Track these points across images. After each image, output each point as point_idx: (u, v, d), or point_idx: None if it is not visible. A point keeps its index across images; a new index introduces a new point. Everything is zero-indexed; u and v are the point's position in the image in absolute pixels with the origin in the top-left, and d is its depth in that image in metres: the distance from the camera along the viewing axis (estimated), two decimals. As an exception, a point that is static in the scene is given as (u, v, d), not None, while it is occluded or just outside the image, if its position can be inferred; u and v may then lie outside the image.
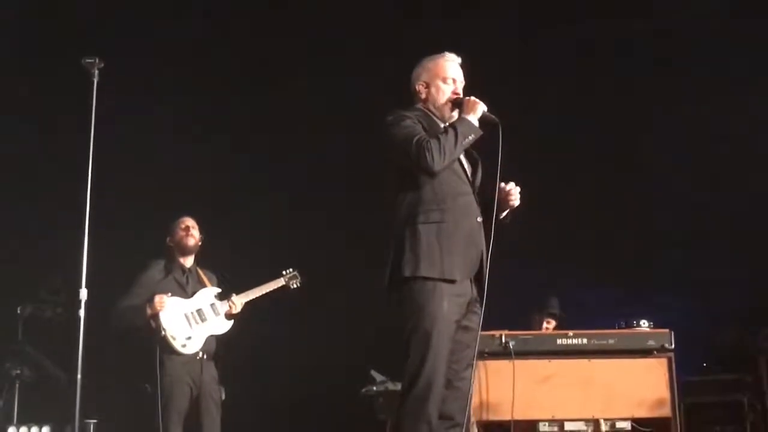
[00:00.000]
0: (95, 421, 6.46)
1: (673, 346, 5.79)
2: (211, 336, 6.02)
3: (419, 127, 4.16)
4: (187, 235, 6.18)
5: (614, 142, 8.11)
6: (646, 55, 8.08)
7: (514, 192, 4.29)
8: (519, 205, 4.32)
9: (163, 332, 5.81)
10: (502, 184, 4.30)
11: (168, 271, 6.13)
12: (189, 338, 5.90)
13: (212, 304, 6.09)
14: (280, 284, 6.41)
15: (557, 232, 7.89)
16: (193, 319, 5.97)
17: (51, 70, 7.35)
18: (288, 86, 8.25)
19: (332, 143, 8.03)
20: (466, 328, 4.14)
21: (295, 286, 6.48)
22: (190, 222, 6.24)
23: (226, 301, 6.12)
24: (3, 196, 7.49)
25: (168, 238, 6.22)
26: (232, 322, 6.12)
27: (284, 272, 6.45)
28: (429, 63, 4.39)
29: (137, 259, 6.34)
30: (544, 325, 6.90)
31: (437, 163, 4.04)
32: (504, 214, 4.33)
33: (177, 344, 5.84)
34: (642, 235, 8.05)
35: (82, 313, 4.47)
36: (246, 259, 7.31)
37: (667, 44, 7.99)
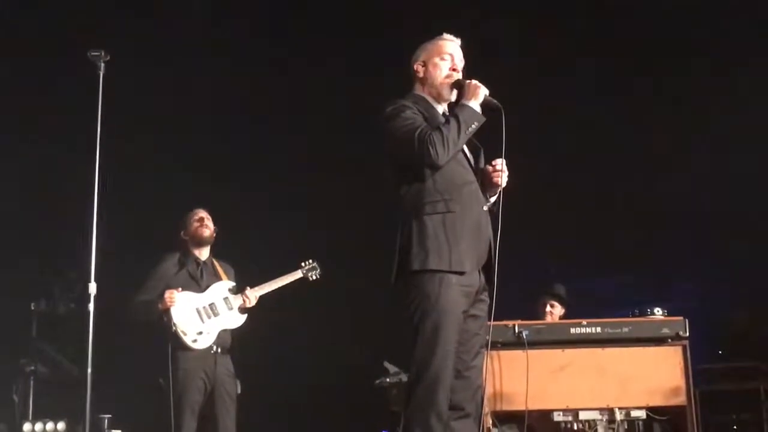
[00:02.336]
0: (109, 416, 6.49)
1: (687, 333, 5.74)
2: (225, 330, 6.01)
3: (420, 118, 4.09)
4: (202, 225, 6.16)
5: (624, 126, 8.08)
6: (654, 43, 8.06)
7: (499, 168, 4.20)
8: (510, 186, 4.22)
9: (174, 327, 5.80)
10: (488, 166, 4.25)
11: (182, 264, 6.11)
12: (200, 333, 5.88)
13: (225, 298, 6.07)
14: (297, 276, 6.37)
15: (568, 219, 7.85)
16: (205, 314, 5.95)
17: (56, 64, 7.36)
18: (301, 78, 8.24)
19: (347, 137, 8.00)
20: (473, 317, 4.11)
21: (314, 278, 6.43)
22: (203, 213, 6.22)
23: (239, 295, 6.10)
24: (14, 193, 7.52)
25: (182, 231, 6.20)
26: (245, 315, 6.10)
27: (303, 264, 6.41)
28: (427, 44, 4.33)
29: (148, 252, 6.35)
30: (547, 308, 6.79)
31: (441, 156, 3.98)
32: (492, 199, 4.26)
33: (188, 339, 5.83)
34: (654, 222, 8.00)
35: (91, 307, 4.46)
36: (261, 252, 7.32)
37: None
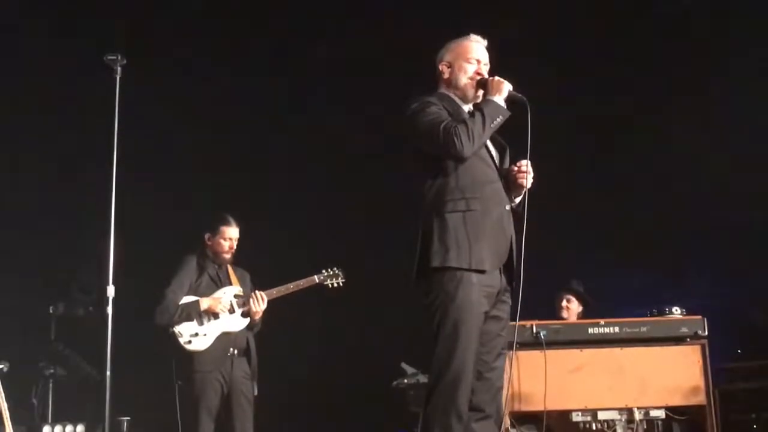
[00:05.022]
0: (128, 418, 6.51)
1: (706, 332, 5.73)
2: (225, 333, 5.99)
3: (445, 113, 4.10)
4: (230, 252, 6.14)
5: (642, 125, 8.03)
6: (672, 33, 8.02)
7: (524, 169, 4.20)
8: (532, 187, 4.21)
9: (170, 329, 5.84)
10: (513, 166, 4.24)
11: (201, 268, 6.10)
12: (195, 335, 5.88)
13: (229, 302, 6.08)
14: (312, 282, 6.31)
15: (586, 217, 7.82)
16: (205, 317, 5.96)
17: (73, 68, 7.38)
18: (320, 78, 8.24)
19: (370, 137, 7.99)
20: (495, 318, 4.10)
21: (335, 285, 6.39)
22: (235, 235, 6.15)
23: (243, 299, 6.09)
24: (32, 195, 7.55)
25: (207, 235, 6.14)
26: (248, 319, 6.06)
27: (324, 270, 6.36)
28: (453, 44, 4.34)
29: (165, 255, 6.36)
30: (564, 303, 6.69)
31: (467, 148, 3.98)
32: (518, 200, 4.26)
33: (182, 340, 5.86)
34: (672, 220, 7.96)
35: (109, 310, 4.47)
36: (279, 254, 7.32)
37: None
